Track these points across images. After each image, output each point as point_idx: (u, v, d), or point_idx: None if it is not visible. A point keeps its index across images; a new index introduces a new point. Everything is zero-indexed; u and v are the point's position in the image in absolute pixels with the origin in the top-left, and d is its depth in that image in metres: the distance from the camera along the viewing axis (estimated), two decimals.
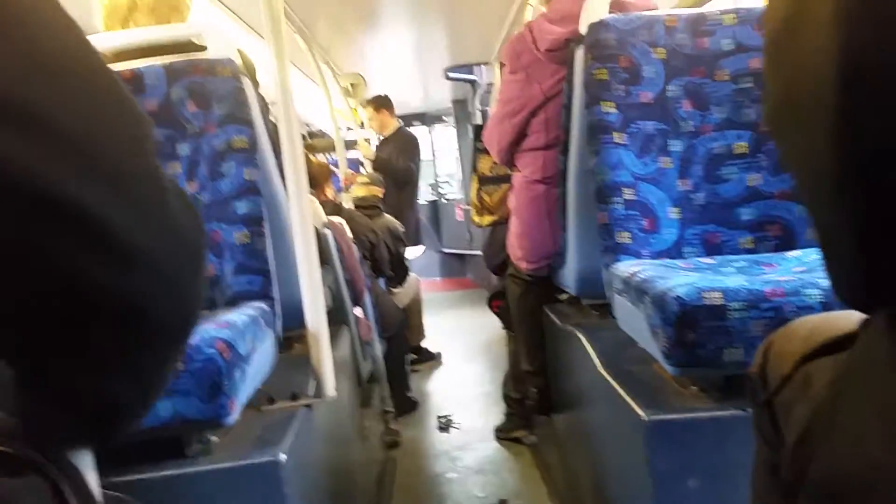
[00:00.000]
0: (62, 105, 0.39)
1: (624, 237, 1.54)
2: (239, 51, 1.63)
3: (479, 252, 7.23)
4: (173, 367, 0.46)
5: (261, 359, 1.36)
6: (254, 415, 1.37)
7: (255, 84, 1.67)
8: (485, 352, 4.69)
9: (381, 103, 5.09)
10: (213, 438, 1.24)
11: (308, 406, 1.42)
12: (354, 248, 2.62)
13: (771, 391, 0.71)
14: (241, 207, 1.52)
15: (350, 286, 2.44)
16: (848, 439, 0.48)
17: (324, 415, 1.53)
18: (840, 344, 0.60)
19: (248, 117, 1.55)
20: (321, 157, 5.03)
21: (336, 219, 2.67)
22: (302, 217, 1.46)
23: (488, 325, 5.21)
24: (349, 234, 2.67)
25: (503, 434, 3.02)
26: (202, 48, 1.63)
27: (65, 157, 0.38)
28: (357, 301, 2.50)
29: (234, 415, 1.17)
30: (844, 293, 0.47)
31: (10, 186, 0.36)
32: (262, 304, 1.49)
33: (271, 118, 1.70)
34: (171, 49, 1.59)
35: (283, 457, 1.18)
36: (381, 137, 5.19)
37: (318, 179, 3.16)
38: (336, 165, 4.45)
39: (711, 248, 1.59)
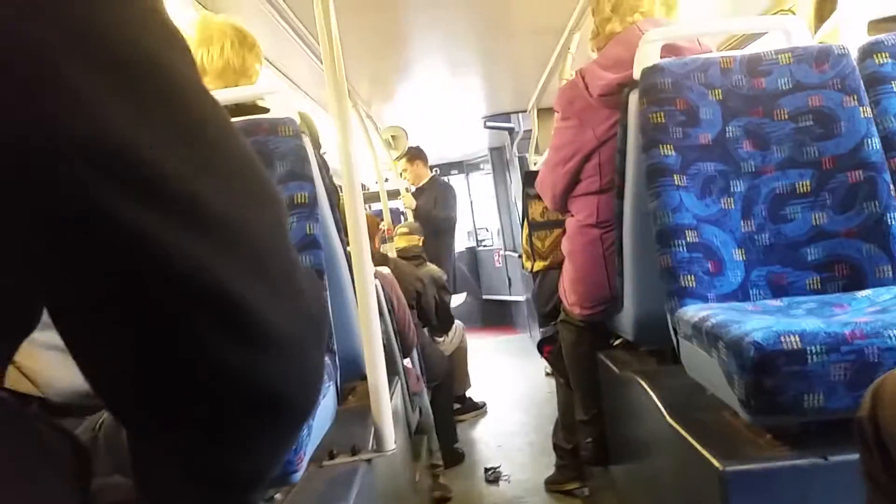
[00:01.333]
0: (217, 187, 0.39)
1: (689, 280, 1.51)
2: (302, 114, 1.67)
3: (518, 298, 7.24)
4: (293, 444, 0.45)
5: (324, 412, 1.35)
6: (315, 470, 1.35)
7: (318, 147, 1.70)
8: (529, 400, 4.63)
9: (415, 154, 5.15)
10: (277, 496, 1.22)
11: (368, 461, 1.40)
12: (403, 298, 2.62)
13: (890, 434, 0.68)
14: (303, 261, 1.52)
15: (399, 337, 2.43)
16: None
17: (382, 469, 1.51)
18: None
19: (308, 174, 1.57)
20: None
21: (384, 269, 2.67)
22: (362, 269, 1.46)
23: (531, 373, 5.16)
24: (397, 285, 2.67)
25: (555, 486, 2.94)
26: (265, 110, 1.67)
27: (213, 239, 0.38)
28: (406, 352, 2.49)
29: (302, 471, 1.15)
30: None
31: (158, 266, 0.36)
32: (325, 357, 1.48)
33: (331, 177, 1.74)
34: (235, 111, 1.63)
35: None
36: (416, 188, 5.24)
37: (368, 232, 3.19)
38: (379, 216, 4.49)
39: (778, 290, 1.54)
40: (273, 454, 0.46)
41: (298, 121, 1.63)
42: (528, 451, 3.62)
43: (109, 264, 0.35)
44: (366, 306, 1.47)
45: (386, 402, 1.49)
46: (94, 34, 0.35)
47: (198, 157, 0.38)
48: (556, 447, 2.89)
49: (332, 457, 1.40)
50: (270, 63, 2.85)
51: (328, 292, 1.56)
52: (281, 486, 1.21)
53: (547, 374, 4.79)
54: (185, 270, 0.36)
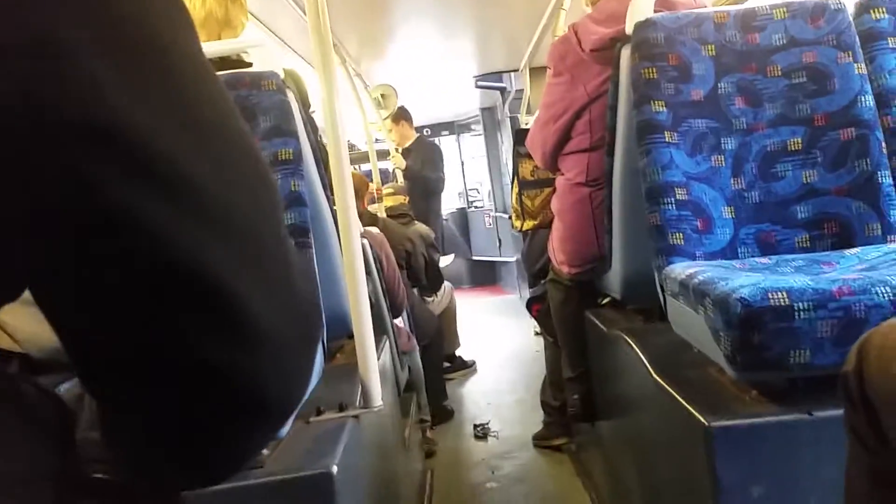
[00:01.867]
0: (211, 171, 0.37)
1: (677, 238, 1.50)
2: (289, 70, 1.63)
3: (508, 259, 7.26)
4: (271, 439, 0.45)
5: None
6: (302, 426, 1.35)
7: (307, 105, 1.67)
8: (518, 359, 4.66)
9: (400, 115, 5.11)
10: (265, 452, 1.22)
11: (355, 417, 1.41)
12: (393, 258, 2.61)
13: (876, 390, 0.68)
14: (288, 218, 1.50)
15: (389, 296, 2.43)
16: None
17: (370, 425, 1.52)
18: None
19: (293, 129, 1.54)
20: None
21: (373, 229, 2.66)
22: (348, 227, 1.44)
23: (520, 332, 5.19)
24: (387, 244, 2.66)
25: (542, 442, 2.98)
26: (248, 65, 1.63)
27: (208, 228, 0.36)
28: (397, 311, 2.49)
29: (287, 426, 1.15)
30: None
31: (148, 248, 0.35)
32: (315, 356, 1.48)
33: (321, 138, 1.71)
34: (219, 65, 1.59)
35: (334, 468, 1.16)
36: (402, 149, 5.21)
37: (356, 191, 3.16)
38: (368, 176, 4.46)
39: (767, 248, 1.54)
40: (247, 448, 0.45)
41: (283, 75, 1.60)
42: (516, 409, 3.66)
43: (98, 243, 0.34)
44: (352, 264, 1.46)
45: (373, 359, 1.49)
46: (95, 7, 0.34)
47: (196, 141, 0.37)
48: (543, 404, 2.92)
49: (319, 413, 1.40)
50: (256, 18, 2.79)
51: (313, 249, 1.54)
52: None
53: (536, 334, 4.81)
54: (176, 255, 0.35)
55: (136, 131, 0.34)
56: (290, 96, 1.57)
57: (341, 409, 1.42)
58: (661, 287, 1.51)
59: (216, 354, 0.38)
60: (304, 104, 1.68)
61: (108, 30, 0.35)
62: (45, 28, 0.32)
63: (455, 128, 8.53)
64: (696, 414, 1.20)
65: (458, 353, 4.50)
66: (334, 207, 1.58)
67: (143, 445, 0.42)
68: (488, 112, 7.42)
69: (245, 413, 0.41)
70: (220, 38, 1.68)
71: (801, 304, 1.11)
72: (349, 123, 5.44)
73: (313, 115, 1.75)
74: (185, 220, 0.35)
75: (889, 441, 0.67)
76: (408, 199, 4.16)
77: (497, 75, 5.59)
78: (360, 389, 1.49)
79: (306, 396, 0.48)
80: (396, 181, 4.99)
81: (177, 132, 0.36)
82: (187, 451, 0.42)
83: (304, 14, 1.54)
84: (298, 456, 1.22)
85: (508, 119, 6.13)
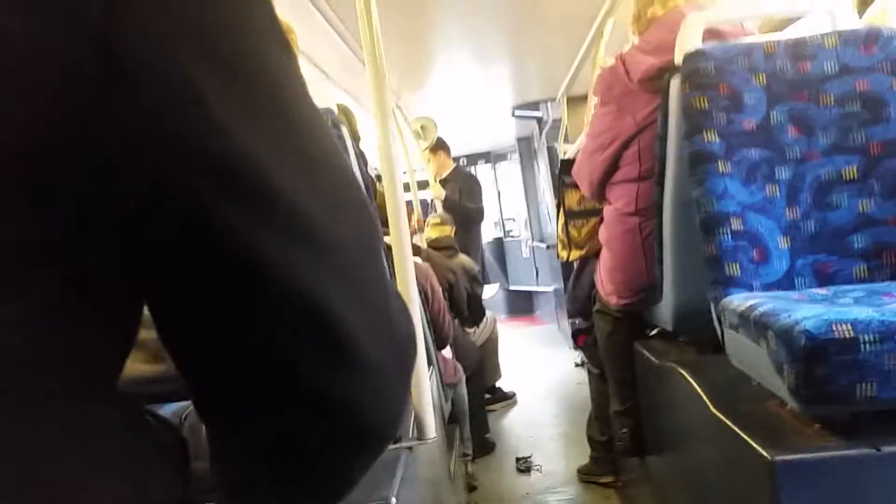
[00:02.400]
0: (323, 206, 0.39)
1: (734, 269, 1.48)
2: (341, 106, 1.67)
3: (546, 288, 7.22)
4: (368, 469, 0.46)
5: None
6: None
7: (357, 139, 1.70)
8: (559, 391, 4.62)
9: (438, 145, 5.15)
10: None
11: (409, 448, 1.41)
12: (439, 289, 2.61)
13: None
14: None
15: (434, 328, 2.43)
16: None
17: (423, 457, 1.51)
18: None
19: None
20: None
21: (418, 260, 2.67)
22: (402, 259, 1.46)
23: (560, 363, 5.15)
24: (433, 275, 2.66)
25: (588, 477, 2.93)
26: None
27: (321, 262, 0.38)
28: (442, 343, 2.49)
29: None
30: None
31: (266, 282, 0.36)
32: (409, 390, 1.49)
33: (371, 170, 1.74)
34: None
35: (393, 500, 1.16)
36: (440, 179, 5.23)
37: None
38: (410, 207, 4.49)
39: (823, 278, 1.52)
40: (350, 475, 0.46)
41: (336, 111, 1.63)
42: (559, 442, 3.62)
43: (221, 277, 0.36)
44: (406, 296, 1.47)
45: (426, 391, 1.50)
46: (216, 45, 0.36)
47: (309, 178, 0.39)
48: (590, 439, 2.87)
49: None
50: (303, 53, 2.85)
51: None
52: None
53: (577, 365, 4.77)
54: (290, 287, 0.36)
55: (259, 168, 0.35)
56: (344, 132, 1.60)
57: (396, 440, 1.42)
58: (719, 319, 1.49)
59: (324, 383, 0.39)
60: (355, 138, 1.71)
61: (230, 69, 0.36)
62: (171, 63, 0.33)
63: (492, 157, 8.57)
64: (759, 448, 1.18)
65: (498, 384, 4.47)
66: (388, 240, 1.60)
67: (250, 471, 0.43)
68: (525, 141, 7.45)
69: (348, 440, 0.42)
70: None
71: (866, 336, 1.09)
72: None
73: (362, 149, 1.78)
74: (300, 255, 0.37)
75: None
76: (454, 230, 4.16)
77: (534, 105, 5.62)
78: (413, 420, 1.49)
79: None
80: (436, 211, 5.01)
81: (293, 169, 0.37)
82: (291, 477, 0.43)
83: (349, 48, 1.57)
84: (356, 488, 1.22)
85: (546, 148, 6.14)
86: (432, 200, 5.23)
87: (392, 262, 1.53)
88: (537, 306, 8.07)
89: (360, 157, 1.69)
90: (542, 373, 5.16)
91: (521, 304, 8.31)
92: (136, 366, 0.42)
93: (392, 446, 1.40)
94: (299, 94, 0.41)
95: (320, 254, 0.38)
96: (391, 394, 0.43)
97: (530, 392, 4.64)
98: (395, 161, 1.48)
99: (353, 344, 0.39)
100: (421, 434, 1.48)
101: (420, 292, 2.37)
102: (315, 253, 0.37)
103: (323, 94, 1.68)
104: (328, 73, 3.36)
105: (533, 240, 7.60)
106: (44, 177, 0.33)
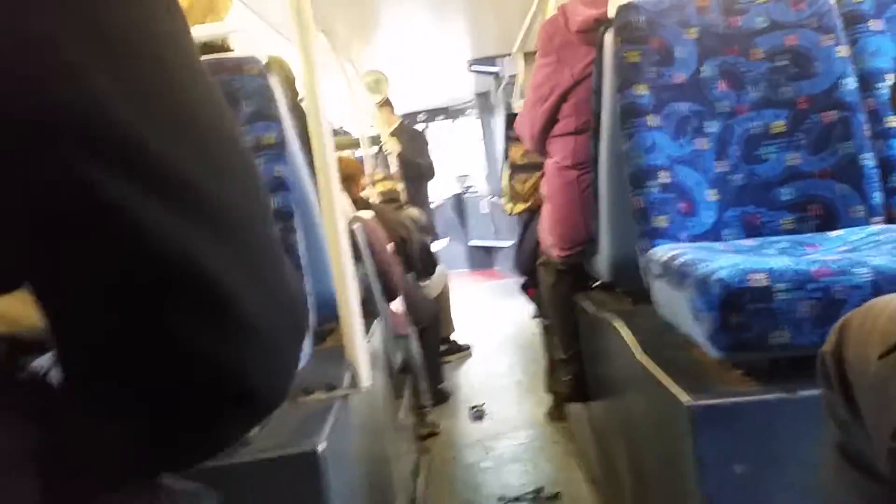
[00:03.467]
0: (204, 170, 0.39)
1: (661, 221, 1.52)
2: (275, 58, 1.63)
3: (505, 243, 7.27)
4: (250, 431, 0.46)
5: None
6: (290, 406, 1.36)
7: (295, 94, 1.67)
8: (514, 342, 4.69)
9: (382, 101, 5.09)
10: (251, 432, 1.24)
11: (344, 397, 1.42)
12: (385, 241, 2.62)
13: (852, 371, 0.69)
14: (272, 203, 1.51)
15: (382, 280, 2.44)
16: None
17: (359, 406, 1.53)
18: None
19: (276, 114, 1.55)
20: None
21: (366, 213, 2.67)
22: (332, 211, 1.45)
23: (516, 316, 5.21)
24: (380, 229, 2.66)
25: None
26: (231, 51, 1.64)
27: (201, 225, 0.38)
28: (391, 295, 2.50)
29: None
30: None
31: (143, 245, 0.36)
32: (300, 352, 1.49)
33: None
34: (201, 50, 1.59)
35: (321, 447, 1.17)
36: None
37: (349, 176, 3.17)
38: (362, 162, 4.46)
39: (751, 230, 1.56)
40: (227, 438, 0.45)
41: (265, 61, 1.60)
42: (513, 391, 3.69)
43: (93, 239, 0.36)
44: (337, 248, 1.47)
45: (360, 340, 1.50)
46: (96, 13, 0.35)
47: (192, 141, 0.38)
48: (548, 389, 2.96)
49: (307, 393, 1.41)
50: (245, 4, 2.79)
51: (297, 234, 1.55)
52: None
53: (533, 318, 4.84)
54: (168, 250, 0.36)
55: (132, 132, 0.35)
56: (273, 82, 1.58)
57: (329, 389, 1.43)
58: (646, 269, 1.52)
59: (204, 346, 0.39)
60: (292, 91, 1.68)
61: (106, 31, 0.36)
62: (46, 31, 0.33)
63: (450, 113, 8.52)
64: (678, 393, 1.22)
65: (452, 337, 4.53)
66: None
67: (123, 432, 0.42)
68: (483, 97, 7.41)
69: (229, 404, 0.42)
70: (203, 23, 1.68)
71: (780, 286, 1.13)
72: (341, 109, 5.43)
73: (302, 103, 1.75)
74: (178, 217, 0.36)
75: (863, 422, 0.68)
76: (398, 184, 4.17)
77: (491, 60, 5.58)
78: (347, 370, 1.50)
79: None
80: (387, 167, 4.99)
81: (175, 133, 0.37)
82: (166, 438, 0.43)
83: None
84: (286, 435, 1.23)
85: (503, 104, 6.12)
86: (377, 155, 5.18)
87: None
88: (497, 261, 8.13)
89: (296, 108, 1.67)
90: (499, 325, 5.24)
91: (481, 259, 8.38)
92: (19, 309, 0.41)
93: (325, 394, 1.42)
94: (185, 60, 0.40)
95: (201, 217, 0.37)
96: (277, 358, 0.43)
97: (487, 344, 4.72)
98: (320, 102, 1.44)
99: (235, 306, 0.39)
100: (355, 383, 1.49)
101: (367, 245, 2.37)
102: (195, 215, 0.37)
103: (260, 45, 1.64)
104: (273, 25, 3.29)
105: (492, 195, 7.62)
106: None
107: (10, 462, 0.38)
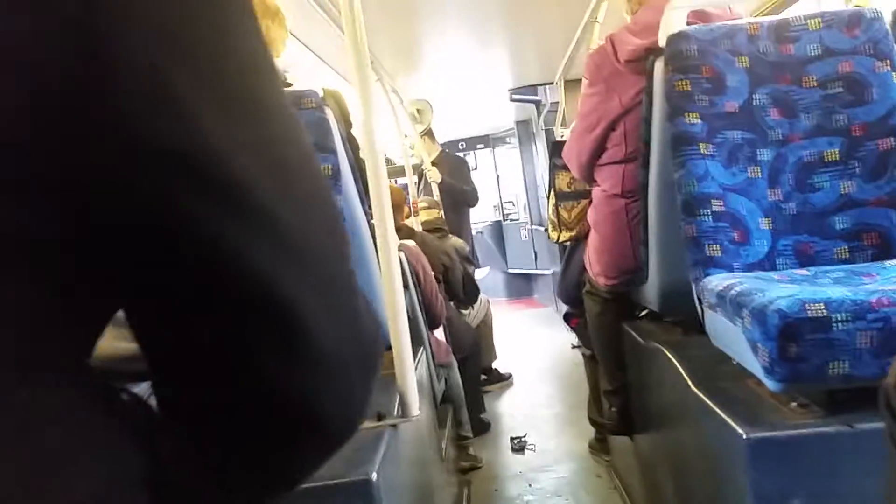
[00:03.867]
0: (291, 201, 0.39)
1: (714, 250, 1.50)
2: (330, 91, 1.67)
3: (544, 271, 7.24)
4: (321, 466, 0.46)
5: None
6: None
7: (349, 125, 1.70)
8: (554, 372, 4.66)
9: (425, 131, 5.15)
10: None
11: (393, 426, 1.42)
12: (429, 270, 2.63)
13: None
14: None
15: (426, 309, 2.45)
16: None
17: (407, 435, 1.53)
18: None
19: (331, 146, 1.58)
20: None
21: (410, 242, 2.69)
22: (386, 241, 1.47)
23: (557, 345, 5.18)
24: (423, 258, 2.68)
25: (593, 452, 3.02)
26: (288, 84, 1.68)
27: (284, 254, 0.38)
28: (434, 324, 2.51)
29: None
30: None
31: (229, 272, 0.37)
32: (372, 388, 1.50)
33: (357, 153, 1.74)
34: None
35: (374, 475, 1.18)
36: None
37: (394, 205, 3.19)
38: (406, 190, 4.50)
39: (805, 259, 1.53)
40: (297, 472, 0.45)
41: (321, 94, 1.63)
42: (553, 422, 3.65)
43: (185, 267, 0.37)
44: (389, 277, 1.48)
45: (410, 370, 1.51)
46: (189, 38, 0.36)
47: (279, 173, 0.39)
48: (591, 422, 2.92)
49: None
50: (294, 36, 2.85)
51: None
52: None
53: (573, 347, 4.80)
54: (253, 279, 0.37)
55: (230, 166, 0.36)
56: (329, 114, 1.61)
57: (379, 418, 1.44)
58: (699, 299, 1.51)
59: (277, 371, 0.39)
60: (346, 122, 1.72)
61: (206, 64, 0.36)
62: (148, 58, 0.34)
63: (490, 141, 8.56)
64: (734, 425, 1.20)
65: (494, 365, 4.51)
66: (372, 222, 1.61)
67: (200, 458, 0.43)
68: (523, 125, 7.43)
69: (300, 432, 0.42)
70: None
71: (839, 316, 1.11)
72: (386, 138, 5.49)
73: (354, 134, 1.79)
74: (264, 247, 0.37)
75: None
76: (441, 213, 4.19)
77: (532, 88, 5.61)
78: (397, 399, 1.51)
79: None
80: (432, 195, 5.02)
81: (264, 167, 0.38)
82: (239, 466, 0.43)
83: (342, 31, 1.58)
84: (338, 462, 1.23)
85: (543, 132, 6.14)
86: (421, 183, 5.21)
87: (376, 244, 1.54)
88: (536, 289, 8.10)
89: (349, 141, 1.70)
90: (538, 354, 5.20)
91: (520, 287, 8.34)
92: (111, 343, 0.42)
93: (375, 424, 1.42)
94: (280, 100, 0.41)
95: (284, 247, 0.38)
96: (349, 390, 0.43)
97: (527, 373, 4.68)
98: (377, 141, 1.47)
99: (311, 337, 0.39)
100: (405, 412, 1.49)
101: (412, 274, 2.39)
102: (278, 245, 0.38)
103: (314, 78, 1.68)
104: (323, 58, 3.36)
105: (532, 223, 7.61)
106: (16, 172, 0.33)
107: (126, 495, 0.39)
